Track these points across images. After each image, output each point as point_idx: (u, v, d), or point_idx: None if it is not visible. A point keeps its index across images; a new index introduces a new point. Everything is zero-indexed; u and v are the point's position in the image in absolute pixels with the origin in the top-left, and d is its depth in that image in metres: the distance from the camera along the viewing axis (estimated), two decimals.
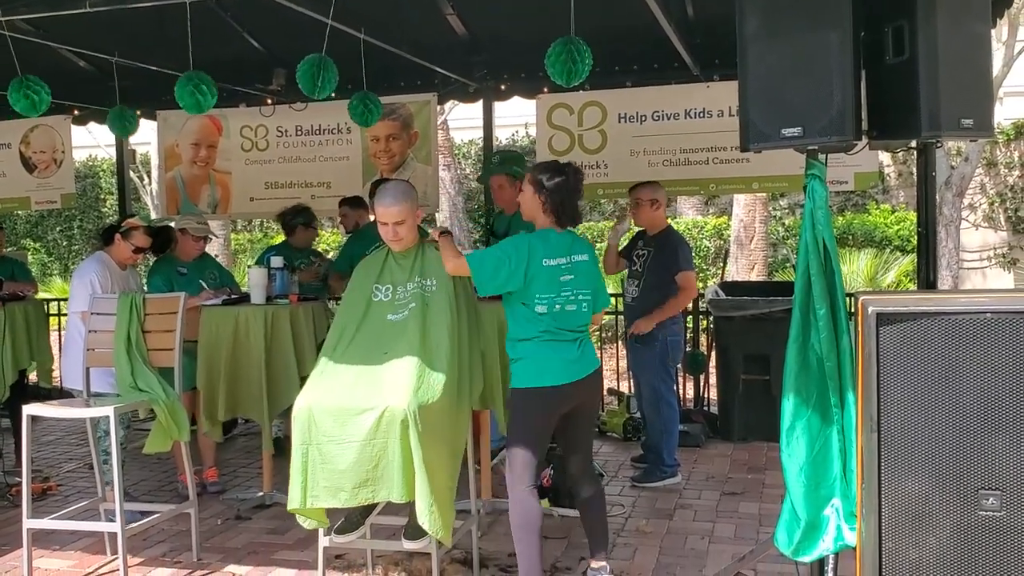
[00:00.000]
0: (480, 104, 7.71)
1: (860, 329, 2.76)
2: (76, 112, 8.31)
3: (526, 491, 3.84)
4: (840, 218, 13.86)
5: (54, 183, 8.54)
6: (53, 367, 6.46)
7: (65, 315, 6.87)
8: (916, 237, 4.88)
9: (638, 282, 5.81)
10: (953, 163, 12.38)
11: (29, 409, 4.33)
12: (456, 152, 15.71)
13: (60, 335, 6.44)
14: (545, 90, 7.25)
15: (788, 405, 3.39)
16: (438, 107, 8.34)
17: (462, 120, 14.84)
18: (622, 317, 6.96)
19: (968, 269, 14.06)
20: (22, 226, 17.33)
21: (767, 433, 6.26)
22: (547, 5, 5.40)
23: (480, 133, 10.09)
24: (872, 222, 13.79)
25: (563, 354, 3.86)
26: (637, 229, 6.13)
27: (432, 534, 3.66)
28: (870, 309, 2.70)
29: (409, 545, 3.88)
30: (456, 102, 8.78)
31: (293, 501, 3.73)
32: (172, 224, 6.59)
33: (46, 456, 6.74)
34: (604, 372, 8.54)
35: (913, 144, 3.83)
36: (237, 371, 5.16)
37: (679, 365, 6.17)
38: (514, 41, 7.00)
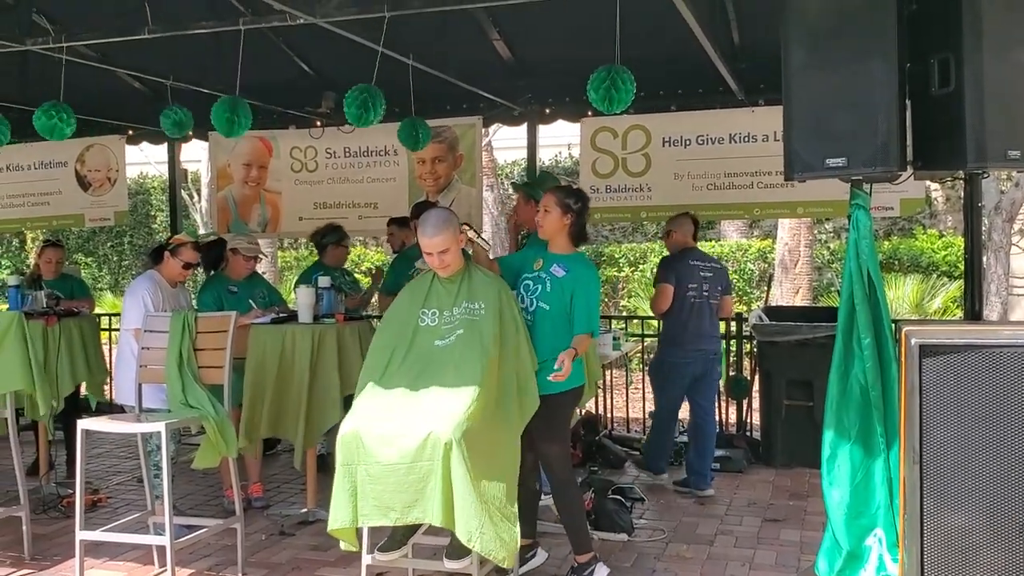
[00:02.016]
0: (524, 126, 7.79)
1: (903, 360, 2.76)
2: (130, 132, 8.52)
3: (577, 483, 4.52)
4: (886, 243, 13.71)
5: (108, 201, 8.74)
6: (105, 382, 6.61)
7: (115, 330, 7.03)
8: (963, 263, 4.85)
9: None
10: (1003, 188, 12.22)
11: (84, 424, 4.45)
12: (500, 173, 15.80)
13: (111, 350, 6.60)
14: (589, 113, 7.30)
15: (829, 434, 3.39)
16: (483, 129, 8.45)
17: (506, 140, 14.92)
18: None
19: (1018, 295, 13.81)
20: (74, 241, 17.71)
21: (810, 459, 6.19)
22: (592, 30, 5.46)
23: (524, 153, 10.17)
24: (919, 247, 13.63)
25: None
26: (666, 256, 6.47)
27: (488, 556, 3.68)
28: (913, 341, 2.71)
29: (450, 565, 3.91)
30: (500, 125, 8.87)
31: (338, 520, 3.77)
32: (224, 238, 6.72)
33: (95, 468, 6.88)
34: (647, 395, 8.53)
35: (959, 174, 3.81)
36: (281, 389, 5.24)
37: (678, 386, 6.21)
38: (559, 65, 7.05)
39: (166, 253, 5.38)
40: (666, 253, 6.30)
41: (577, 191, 4.46)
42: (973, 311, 4.06)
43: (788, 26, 3.46)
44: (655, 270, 6.30)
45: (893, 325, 3.51)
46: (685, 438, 7.05)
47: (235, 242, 5.89)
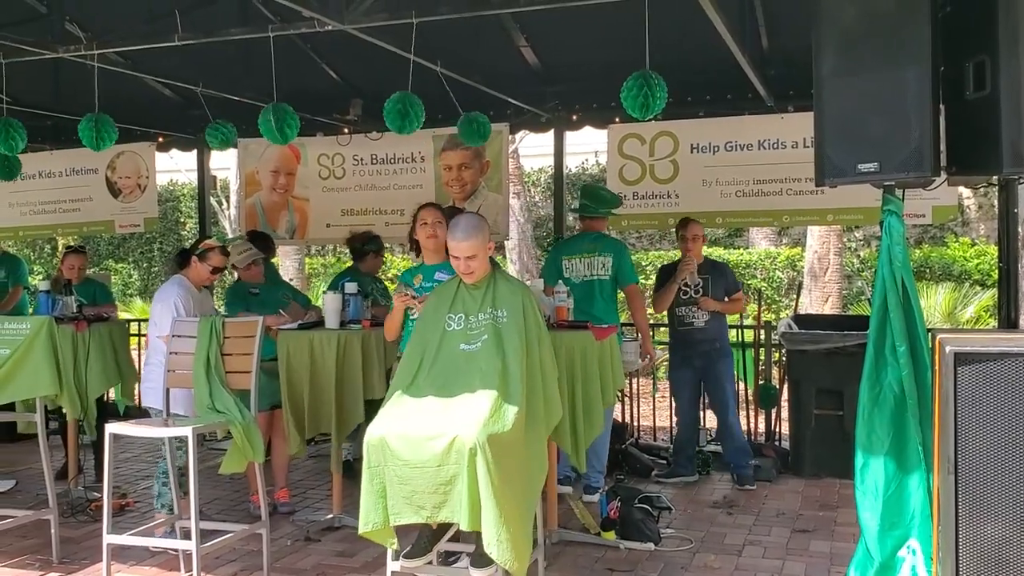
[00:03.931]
0: (551, 133, 7.78)
1: (938, 368, 2.71)
2: (161, 139, 8.60)
3: None
4: (917, 251, 13.55)
5: (138, 207, 8.82)
6: (135, 386, 6.64)
7: (144, 335, 7.07)
8: (997, 272, 4.78)
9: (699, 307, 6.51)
10: None
11: (112, 428, 4.47)
12: (526, 180, 15.80)
13: (140, 355, 6.63)
14: (617, 120, 7.28)
15: (861, 444, 3.34)
16: (509, 136, 8.46)
17: (532, 148, 14.92)
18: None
19: None
20: (104, 247, 17.88)
21: (840, 469, 6.14)
22: (620, 36, 5.44)
23: (550, 161, 10.15)
24: (951, 255, 13.46)
25: None
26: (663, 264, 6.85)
27: (502, 564, 3.66)
28: (948, 349, 2.66)
29: (475, 573, 3.87)
30: (527, 131, 8.87)
31: (370, 523, 3.75)
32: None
33: (123, 473, 6.93)
34: (674, 403, 8.45)
35: (994, 180, 3.76)
36: (314, 392, 5.26)
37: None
38: (586, 72, 7.05)
39: (194, 258, 5.36)
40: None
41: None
42: (1009, 319, 4.00)
43: (820, 30, 3.42)
44: (732, 279, 6.72)
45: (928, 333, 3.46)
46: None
47: (234, 258, 5.88)
